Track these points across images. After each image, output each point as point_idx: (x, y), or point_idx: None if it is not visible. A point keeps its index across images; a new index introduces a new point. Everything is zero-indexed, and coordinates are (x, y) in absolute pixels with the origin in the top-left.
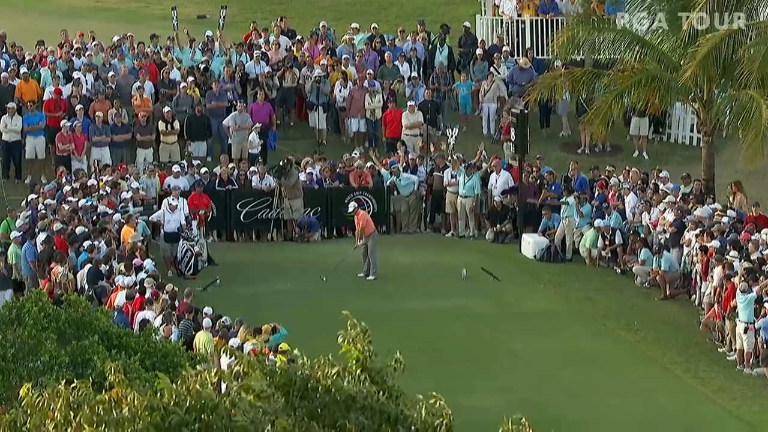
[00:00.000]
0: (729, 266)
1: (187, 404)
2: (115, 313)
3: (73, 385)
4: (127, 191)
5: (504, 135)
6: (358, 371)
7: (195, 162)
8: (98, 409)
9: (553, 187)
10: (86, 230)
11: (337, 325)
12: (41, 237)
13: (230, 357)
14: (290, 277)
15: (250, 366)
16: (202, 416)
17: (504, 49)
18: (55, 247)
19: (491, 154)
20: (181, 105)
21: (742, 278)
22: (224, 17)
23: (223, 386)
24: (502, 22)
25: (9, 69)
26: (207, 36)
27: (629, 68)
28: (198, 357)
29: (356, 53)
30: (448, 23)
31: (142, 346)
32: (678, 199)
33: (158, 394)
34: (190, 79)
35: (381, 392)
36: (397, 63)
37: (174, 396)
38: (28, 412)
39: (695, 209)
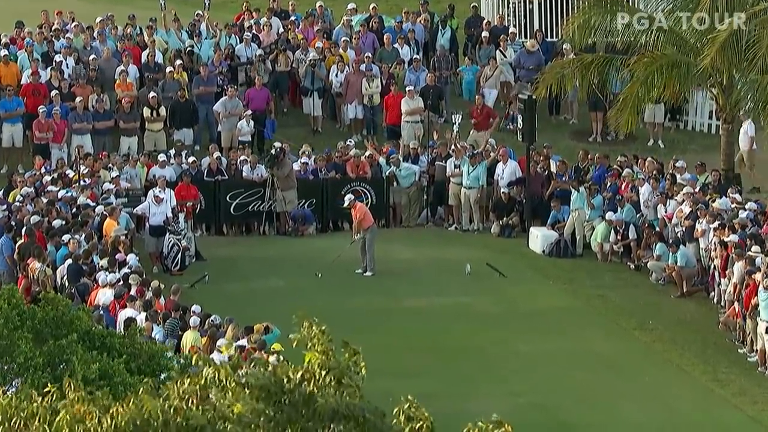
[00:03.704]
0: (751, 261)
1: (174, 426)
2: (100, 312)
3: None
4: (110, 182)
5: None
6: (324, 373)
7: (185, 153)
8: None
9: (563, 178)
10: (64, 223)
11: (333, 325)
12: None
13: (206, 366)
14: (283, 274)
15: (226, 375)
16: None
17: (510, 30)
18: (36, 241)
19: (498, 142)
20: (168, 90)
21: (766, 275)
22: None
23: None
24: (508, 3)
25: None
26: (196, 15)
27: (649, 54)
28: (187, 359)
29: (354, 35)
30: (452, 3)
31: (126, 348)
32: (697, 190)
33: (144, 412)
34: (178, 62)
35: (344, 392)
36: (396, 45)
37: (161, 415)
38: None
39: (713, 201)
